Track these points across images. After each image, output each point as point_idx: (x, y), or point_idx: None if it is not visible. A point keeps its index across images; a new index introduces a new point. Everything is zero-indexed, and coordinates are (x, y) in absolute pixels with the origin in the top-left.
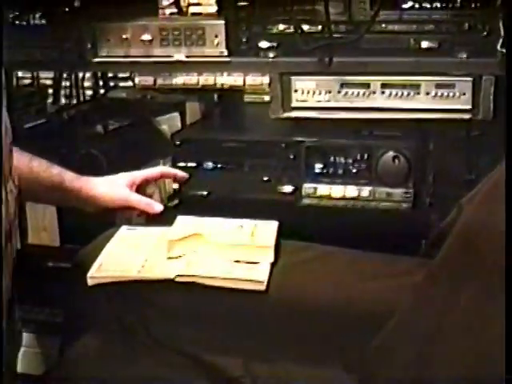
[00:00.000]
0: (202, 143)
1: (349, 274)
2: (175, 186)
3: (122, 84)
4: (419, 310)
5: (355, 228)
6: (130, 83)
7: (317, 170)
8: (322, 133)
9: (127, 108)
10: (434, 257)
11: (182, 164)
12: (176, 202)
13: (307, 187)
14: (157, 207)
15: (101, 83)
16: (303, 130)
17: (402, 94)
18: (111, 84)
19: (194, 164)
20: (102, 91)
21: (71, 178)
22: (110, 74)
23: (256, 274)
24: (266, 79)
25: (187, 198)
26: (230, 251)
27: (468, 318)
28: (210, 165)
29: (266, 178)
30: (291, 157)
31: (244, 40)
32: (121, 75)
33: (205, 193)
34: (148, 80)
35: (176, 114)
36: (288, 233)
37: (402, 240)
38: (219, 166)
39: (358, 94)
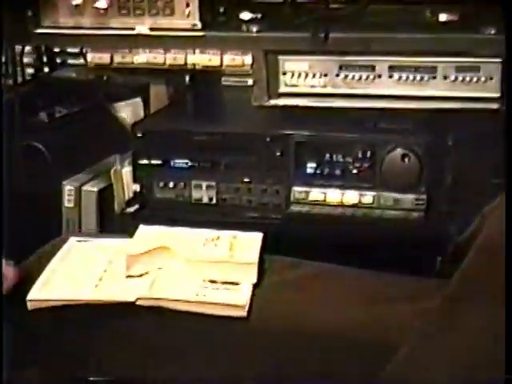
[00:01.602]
0: (170, 136)
1: (347, 298)
2: (136, 186)
3: (70, 61)
4: (433, 338)
5: (355, 241)
6: (81, 61)
7: (309, 171)
8: (315, 125)
9: (77, 91)
10: (451, 277)
11: (144, 161)
12: (136, 207)
13: (297, 191)
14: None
15: (45, 60)
16: (293, 122)
17: (415, 78)
18: (58, 61)
19: (159, 161)
20: (46, 69)
21: None
22: (57, 49)
23: (235, 296)
24: (248, 59)
25: (151, 203)
26: (204, 269)
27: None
28: (179, 162)
29: (246, 179)
30: (278, 154)
31: (221, 10)
32: (70, 50)
33: (172, 196)
34: (103, 57)
35: (138, 100)
36: (274, 246)
37: (412, 256)
38: (190, 163)
39: (361, 77)
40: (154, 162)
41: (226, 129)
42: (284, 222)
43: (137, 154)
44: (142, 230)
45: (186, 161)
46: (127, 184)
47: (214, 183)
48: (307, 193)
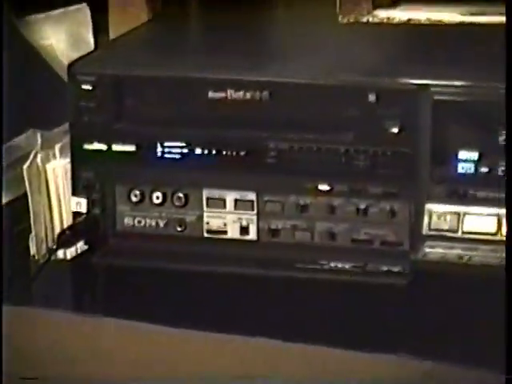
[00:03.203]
0: (153, 90)
1: None
2: (78, 202)
3: None
4: None
5: None
6: None
7: (463, 167)
8: (478, 65)
9: None
10: None
11: (97, 145)
12: (79, 247)
13: (437, 212)
14: None
15: None
16: (427, 58)
17: None
18: None
19: (129, 146)
20: None
21: None
22: None
23: None
24: None
25: (112, 239)
26: None
27: None
28: (173, 148)
29: (323, 187)
30: (393, 129)
31: None
32: None
33: (159, 224)
34: None
35: (81, 9)
36: (395, 334)
37: None
38: (199, 151)
39: None
40: (118, 147)
41: (276, 75)
42: (408, 282)
43: (80, 131)
44: None
45: (190, 145)
46: (58, 196)
47: (252, 195)
48: (459, 216)
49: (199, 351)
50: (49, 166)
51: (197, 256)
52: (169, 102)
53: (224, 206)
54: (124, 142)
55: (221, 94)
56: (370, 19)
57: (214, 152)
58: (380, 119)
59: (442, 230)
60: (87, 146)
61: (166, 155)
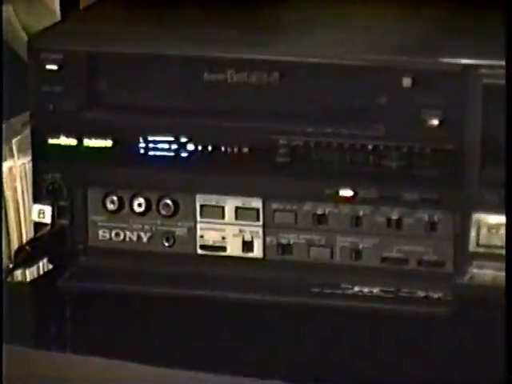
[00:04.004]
0: (136, 69)
1: None
2: (41, 210)
3: None
4: None
5: None
6: None
7: None
8: None
9: None
10: None
11: (64, 140)
12: (43, 265)
13: (487, 224)
14: None
15: None
16: (471, 34)
17: None
18: None
19: (107, 142)
20: None
21: None
22: None
23: None
24: None
25: (83, 257)
26: None
27: None
28: (159, 143)
29: (346, 193)
30: (433, 121)
31: None
32: None
33: (142, 238)
34: None
35: None
36: (436, 374)
37: None
38: (191, 146)
39: None
40: (91, 141)
41: (288, 52)
42: (452, 311)
43: (43, 122)
44: None
45: (181, 139)
46: (16, 203)
47: (257, 202)
48: None
49: None
50: (4, 166)
51: (188, 278)
52: (154, 86)
53: (222, 216)
54: (98, 136)
55: (219, 76)
56: None
57: (209, 148)
58: (417, 108)
59: (494, 247)
60: (52, 141)
61: (151, 152)
